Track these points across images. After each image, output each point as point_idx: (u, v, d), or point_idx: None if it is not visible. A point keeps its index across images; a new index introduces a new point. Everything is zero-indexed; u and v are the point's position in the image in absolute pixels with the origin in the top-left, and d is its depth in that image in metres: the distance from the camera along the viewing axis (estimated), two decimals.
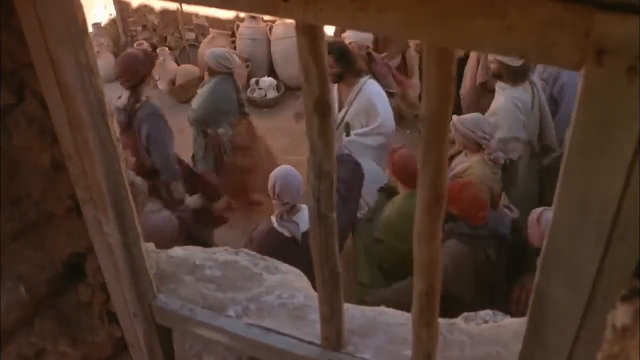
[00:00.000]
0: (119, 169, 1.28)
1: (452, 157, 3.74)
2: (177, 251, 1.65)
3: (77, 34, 1.07)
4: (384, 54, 5.03)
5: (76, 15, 1.05)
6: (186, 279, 1.54)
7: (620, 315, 0.75)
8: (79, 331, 1.55)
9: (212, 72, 4.59)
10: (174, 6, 7.19)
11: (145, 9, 7.58)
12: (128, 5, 7.63)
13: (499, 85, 4.04)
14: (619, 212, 0.75)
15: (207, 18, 7.23)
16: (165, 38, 7.58)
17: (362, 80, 4.14)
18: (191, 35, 7.42)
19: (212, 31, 7.06)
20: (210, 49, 5.04)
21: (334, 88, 4.09)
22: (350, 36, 4.44)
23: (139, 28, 7.72)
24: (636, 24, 0.60)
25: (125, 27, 7.78)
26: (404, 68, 5.28)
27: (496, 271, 3.00)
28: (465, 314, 1.38)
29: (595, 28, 0.63)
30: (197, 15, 7.29)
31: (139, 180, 1.55)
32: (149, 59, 3.87)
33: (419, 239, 0.99)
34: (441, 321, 1.26)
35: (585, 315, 0.88)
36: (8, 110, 1.22)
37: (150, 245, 1.62)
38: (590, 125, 0.70)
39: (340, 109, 4.14)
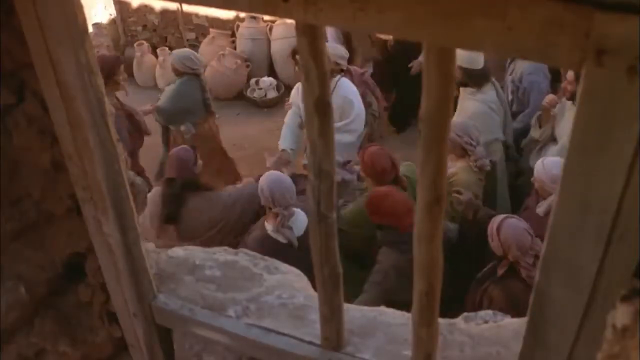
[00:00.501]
0: (119, 169, 1.28)
1: None
2: (177, 251, 1.65)
3: (77, 34, 1.07)
4: (364, 70, 5.01)
5: (76, 15, 1.05)
6: (186, 279, 1.54)
7: (620, 315, 0.75)
8: (79, 331, 1.55)
9: (178, 73, 4.77)
10: (174, 6, 7.20)
11: (145, 9, 7.58)
12: (128, 5, 7.64)
13: (467, 92, 4.09)
14: (619, 212, 0.75)
15: (207, 18, 7.23)
16: (166, 38, 7.59)
17: (335, 79, 4.16)
18: (191, 35, 7.43)
19: (212, 31, 7.07)
20: (176, 50, 5.21)
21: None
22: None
23: (139, 28, 7.73)
24: (636, 24, 0.60)
25: (125, 27, 7.78)
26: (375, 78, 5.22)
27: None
28: (465, 314, 1.38)
29: (595, 28, 0.63)
30: (197, 15, 7.29)
31: (139, 180, 1.55)
32: (107, 64, 4.02)
33: (419, 240, 0.99)
34: (441, 321, 1.26)
35: (585, 315, 0.88)
36: (8, 110, 1.22)
37: (150, 245, 1.62)
38: (590, 125, 0.70)
39: None
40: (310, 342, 1.33)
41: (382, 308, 1.45)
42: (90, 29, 6.24)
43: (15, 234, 1.33)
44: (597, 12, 0.62)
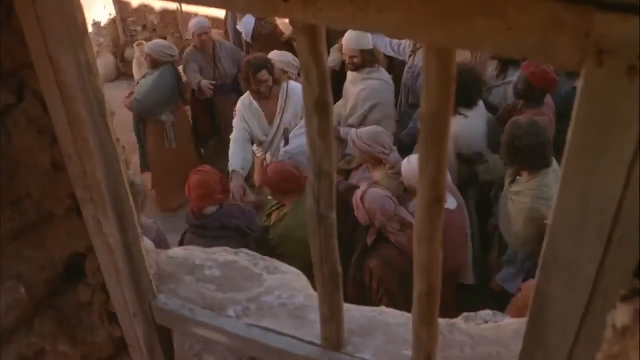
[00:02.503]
0: (119, 169, 1.28)
1: (356, 168, 3.82)
2: (177, 251, 1.65)
3: (77, 34, 1.07)
4: None
5: (76, 15, 1.05)
6: (186, 279, 1.54)
7: (620, 315, 0.75)
8: (79, 331, 1.55)
9: (155, 64, 4.90)
10: (174, 6, 7.20)
11: (145, 9, 7.58)
12: (128, 5, 7.63)
13: (364, 73, 4.21)
14: (619, 212, 0.75)
15: (207, 18, 7.22)
16: (165, 38, 7.57)
17: (283, 85, 4.20)
18: (191, 35, 7.41)
19: (212, 31, 7.06)
20: (150, 42, 5.36)
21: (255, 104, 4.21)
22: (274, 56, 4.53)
23: (139, 28, 7.72)
24: (636, 24, 0.60)
25: (125, 27, 7.78)
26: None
27: None
28: (465, 314, 1.38)
29: (595, 28, 0.63)
30: (197, 15, 7.28)
31: (138, 180, 1.55)
32: None
33: (419, 240, 0.99)
34: (441, 321, 1.25)
35: (585, 316, 0.88)
36: (8, 110, 1.22)
37: (150, 245, 1.62)
38: (590, 125, 0.70)
39: (270, 123, 4.22)
40: (310, 342, 1.33)
41: (382, 308, 1.45)
42: (90, 29, 6.25)
43: (15, 234, 1.33)
44: (597, 12, 0.62)
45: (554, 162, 3.34)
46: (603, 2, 0.61)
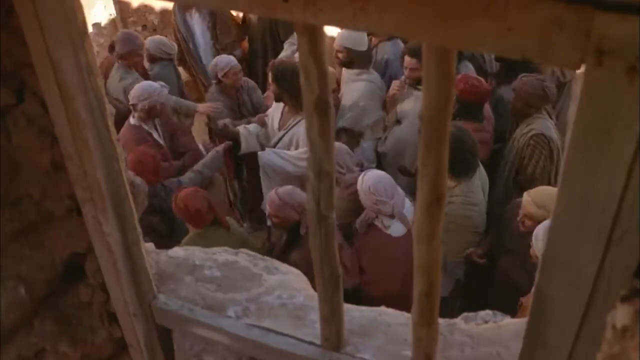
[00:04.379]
0: (119, 169, 1.28)
1: None
2: (177, 251, 1.65)
3: (77, 34, 1.07)
4: None
5: (76, 15, 1.05)
6: (186, 279, 1.54)
7: (620, 315, 0.75)
8: (79, 331, 1.55)
9: (154, 59, 4.77)
10: None
11: (145, 9, 7.57)
12: (128, 5, 7.63)
13: (353, 73, 4.16)
14: (619, 212, 0.75)
15: None
16: (166, 36, 7.57)
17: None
18: None
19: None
20: (149, 37, 5.19)
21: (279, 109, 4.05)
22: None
23: (139, 28, 7.71)
24: (636, 24, 0.60)
25: (125, 27, 7.77)
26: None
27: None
28: (465, 314, 1.38)
29: (595, 28, 0.63)
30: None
31: (138, 180, 1.55)
32: None
33: (419, 239, 0.99)
34: (441, 321, 1.26)
35: (585, 316, 0.88)
36: (8, 110, 1.22)
37: (150, 246, 1.62)
38: (590, 125, 0.70)
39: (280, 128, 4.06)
40: (310, 342, 1.33)
41: (382, 308, 1.45)
42: (90, 29, 6.24)
43: (15, 234, 1.33)
44: (597, 12, 0.62)
45: (480, 169, 3.34)
46: (603, 2, 0.61)
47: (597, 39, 0.63)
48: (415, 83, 3.87)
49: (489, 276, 3.21)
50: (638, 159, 0.69)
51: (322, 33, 0.90)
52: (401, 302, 1.63)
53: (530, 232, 2.72)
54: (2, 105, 1.20)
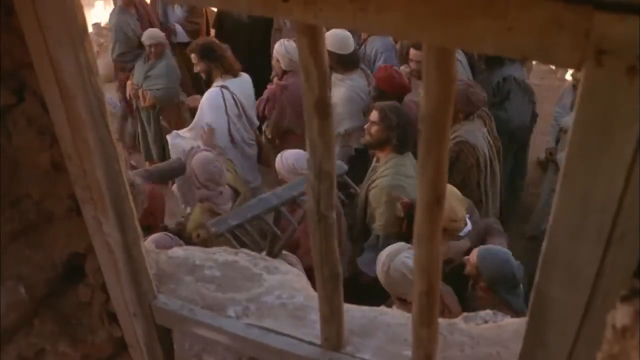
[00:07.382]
0: (119, 169, 1.28)
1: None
2: (177, 251, 1.65)
3: (77, 34, 1.07)
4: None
5: (76, 15, 1.05)
6: (186, 279, 1.54)
7: (620, 315, 0.75)
8: (79, 331, 1.55)
9: (158, 48, 5.06)
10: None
11: None
12: None
13: (337, 78, 4.16)
14: (619, 212, 0.75)
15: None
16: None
17: None
18: None
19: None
20: (146, 31, 5.41)
21: None
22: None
23: None
24: (636, 24, 0.60)
25: None
26: None
27: None
28: (465, 314, 1.38)
29: (595, 28, 0.63)
30: None
31: (138, 180, 1.55)
32: None
33: (418, 240, 0.99)
34: (441, 321, 1.26)
35: (585, 315, 0.88)
36: (8, 110, 1.22)
37: (150, 245, 1.62)
38: (590, 125, 0.70)
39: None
40: (310, 342, 1.33)
41: (382, 308, 1.45)
42: (90, 29, 6.26)
43: (15, 234, 1.33)
44: (597, 12, 0.62)
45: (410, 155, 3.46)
46: (603, 2, 0.61)
47: (597, 39, 0.63)
48: (420, 75, 3.90)
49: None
50: (638, 159, 0.69)
51: (322, 33, 0.90)
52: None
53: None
54: (2, 105, 1.20)
